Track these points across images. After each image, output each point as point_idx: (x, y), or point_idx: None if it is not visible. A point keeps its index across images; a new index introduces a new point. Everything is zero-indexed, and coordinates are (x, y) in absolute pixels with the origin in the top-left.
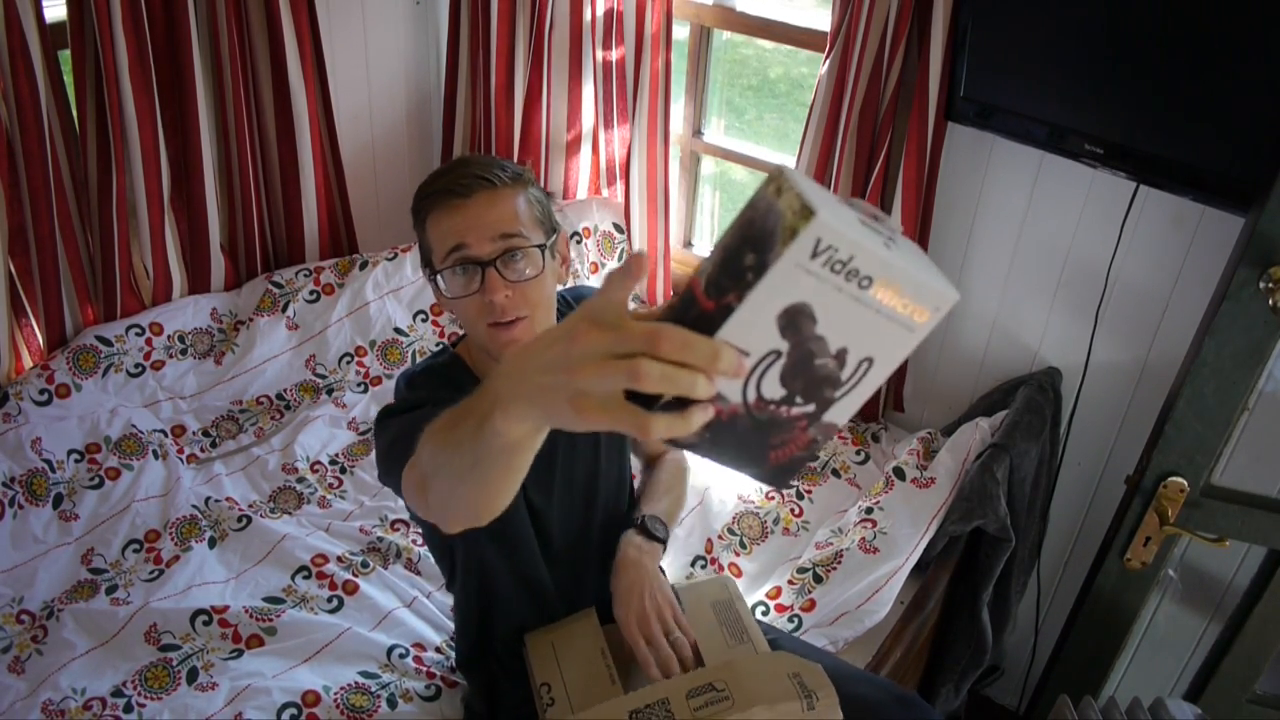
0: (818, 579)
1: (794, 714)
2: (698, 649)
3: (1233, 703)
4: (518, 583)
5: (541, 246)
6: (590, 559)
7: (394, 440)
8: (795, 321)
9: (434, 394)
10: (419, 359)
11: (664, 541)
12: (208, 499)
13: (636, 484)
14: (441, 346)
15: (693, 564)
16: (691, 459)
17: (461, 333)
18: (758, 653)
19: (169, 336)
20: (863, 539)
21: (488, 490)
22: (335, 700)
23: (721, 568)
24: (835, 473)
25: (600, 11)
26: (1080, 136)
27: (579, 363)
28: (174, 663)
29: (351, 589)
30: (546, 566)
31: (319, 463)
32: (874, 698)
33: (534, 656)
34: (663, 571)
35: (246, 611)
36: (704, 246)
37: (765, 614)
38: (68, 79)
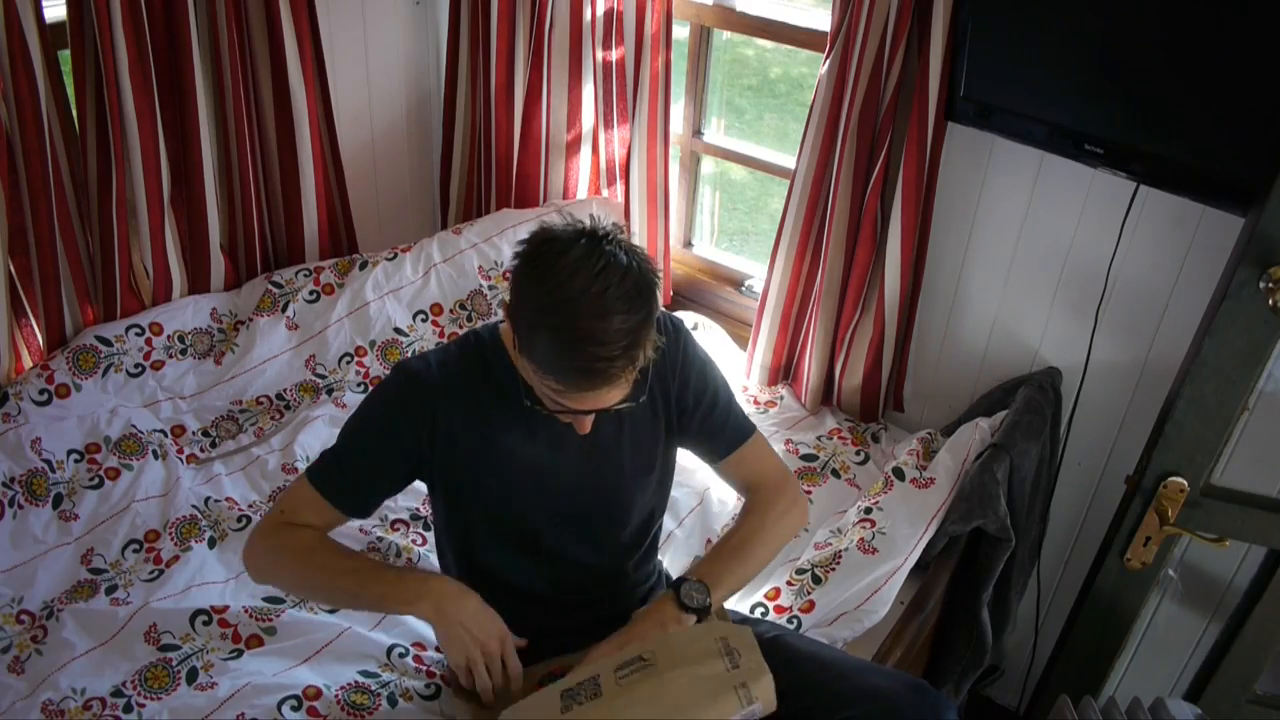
0: (816, 580)
1: (715, 671)
2: None
3: (1233, 703)
4: (510, 588)
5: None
6: (605, 592)
7: (341, 457)
8: None
9: (464, 375)
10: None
11: (699, 612)
12: (207, 499)
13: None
14: (474, 331)
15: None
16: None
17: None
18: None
19: (169, 336)
20: (861, 539)
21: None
22: (336, 697)
23: None
24: (835, 473)
25: (600, 11)
26: (1080, 136)
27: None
28: (174, 663)
29: None
30: (566, 583)
31: None
32: (889, 688)
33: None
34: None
35: (246, 611)
36: (704, 246)
37: (765, 615)
38: (68, 79)
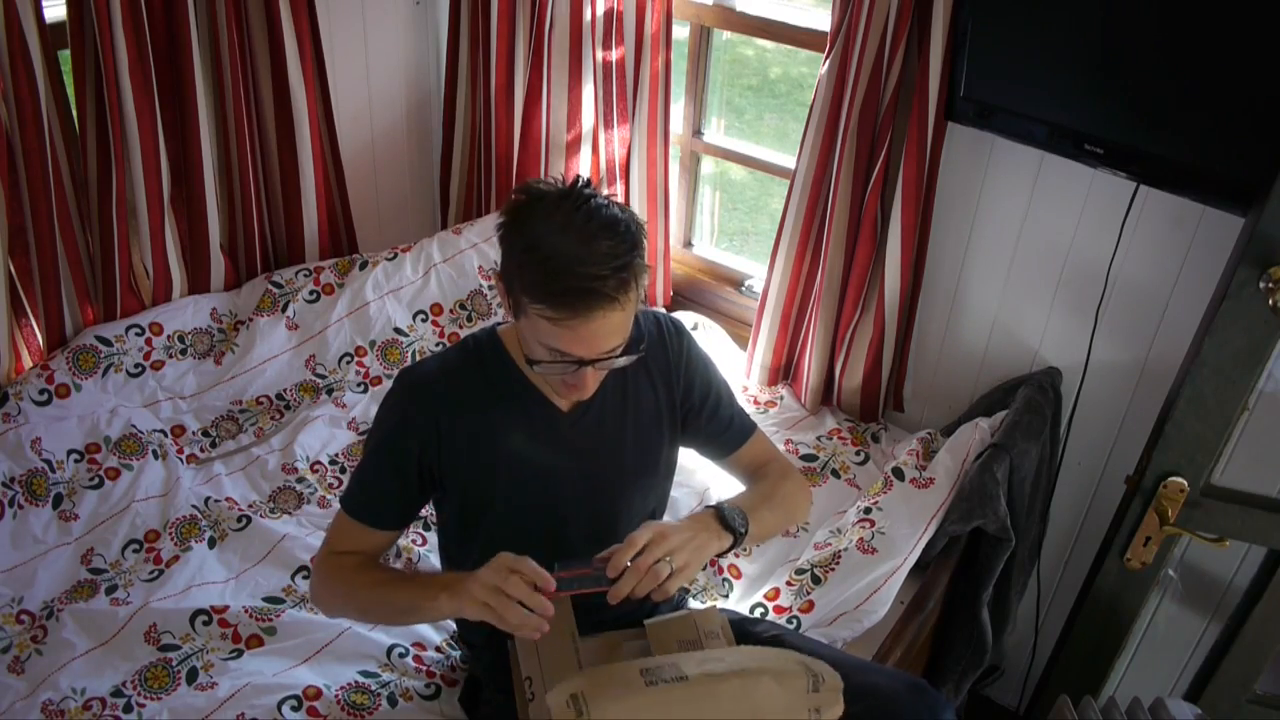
0: (816, 580)
1: (798, 691)
2: None
3: (1233, 703)
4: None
5: (634, 340)
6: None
7: (363, 478)
8: None
9: (451, 376)
10: (417, 359)
11: (738, 536)
12: (207, 499)
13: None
14: (473, 334)
15: None
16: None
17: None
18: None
19: (169, 336)
20: (861, 539)
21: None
22: (336, 697)
23: (721, 569)
24: (835, 473)
25: (600, 11)
26: (1080, 136)
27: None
28: (174, 663)
29: None
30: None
31: (319, 463)
32: (887, 686)
33: (521, 649)
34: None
35: (246, 611)
36: (703, 247)
37: (765, 615)
38: (68, 79)
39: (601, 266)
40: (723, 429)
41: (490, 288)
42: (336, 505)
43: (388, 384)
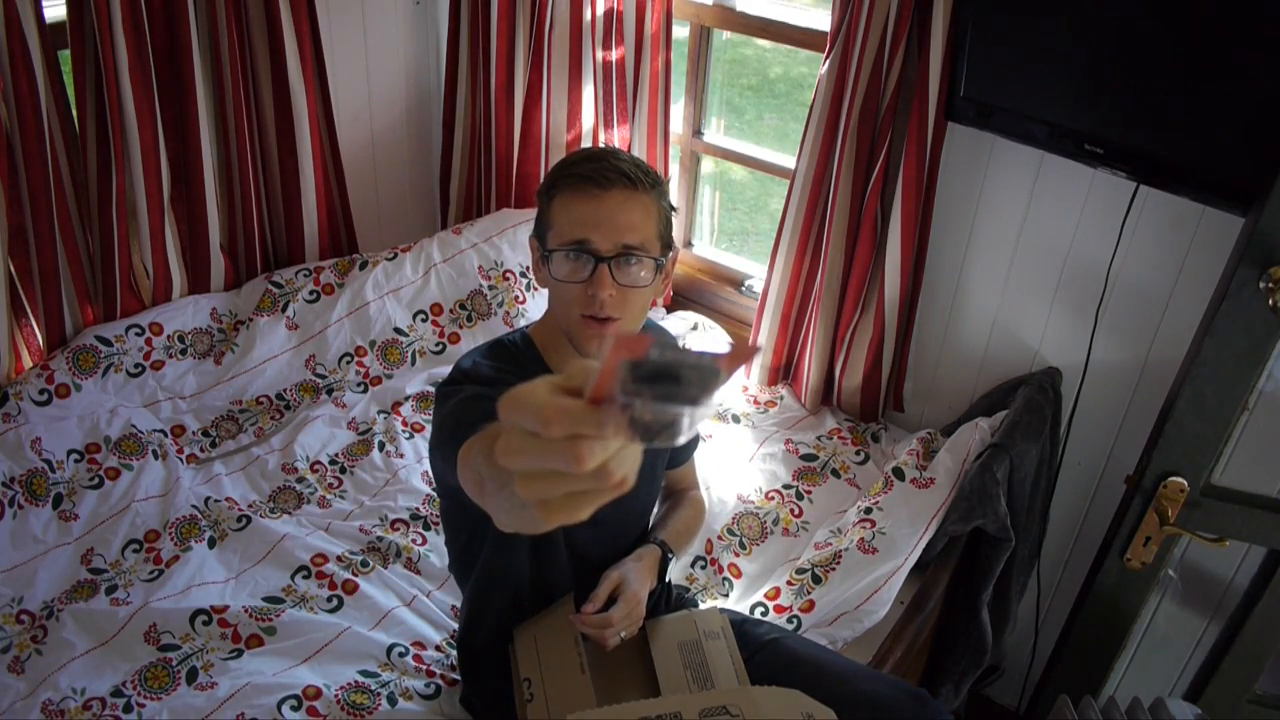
0: (816, 580)
1: None
2: (655, 681)
3: (1233, 703)
4: (538, 590)
5: (657, 261)
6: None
7: (454, 423)
8: None
9: (501, 373)
10: (417, 360)
11: (660, 581)
12: (207, 499)
13: (654, 514)
14: (508, 331)
15: (693, 565)
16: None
17: (519, 327)
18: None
19: (169, 336)
20: (861, 539)
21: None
22: (336, 697)
23: (721, 568)
24: (835, 473)
25: (600, 11)
26: (1080, 136)
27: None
28: (174, 663)
29: (351, 588)
30: (577, 577)
31: (319, 463)
32: (886, 694)
33: (520, 650)
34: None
35: (246, 611)
36: (704, 247)
37: (765, 614)
38: (68, 79)
39: (619, 160)
40: (685, 443)
41: (491, 287)
42: (336, 506)
43: (387, 384)
